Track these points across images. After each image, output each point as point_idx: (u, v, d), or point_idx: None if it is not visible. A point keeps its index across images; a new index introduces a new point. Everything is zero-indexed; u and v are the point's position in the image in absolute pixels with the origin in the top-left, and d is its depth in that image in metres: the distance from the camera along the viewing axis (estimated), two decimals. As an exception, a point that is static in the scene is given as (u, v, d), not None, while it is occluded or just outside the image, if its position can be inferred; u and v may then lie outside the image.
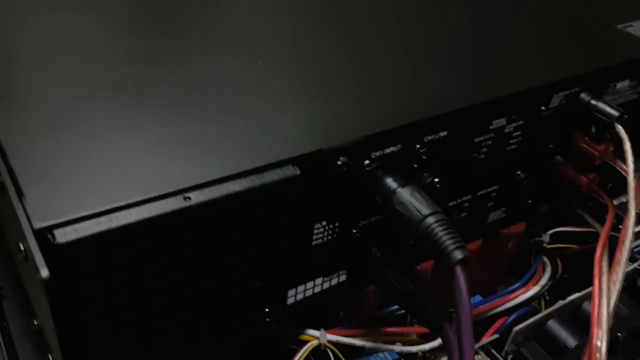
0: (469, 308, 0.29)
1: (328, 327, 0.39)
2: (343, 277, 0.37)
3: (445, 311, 0.33)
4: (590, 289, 0.44)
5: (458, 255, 0.29)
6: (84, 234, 0.23)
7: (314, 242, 0.34)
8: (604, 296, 0.37)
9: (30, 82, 0.31)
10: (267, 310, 0.33)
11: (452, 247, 0.29)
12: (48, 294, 0.22)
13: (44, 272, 0.21)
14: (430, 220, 0.30)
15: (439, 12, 0.44)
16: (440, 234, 0.29)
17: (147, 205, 0.25)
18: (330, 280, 0.36)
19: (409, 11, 0.44)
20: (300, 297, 0.35)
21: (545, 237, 0.49)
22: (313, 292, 0.36)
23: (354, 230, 0.35)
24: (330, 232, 0.34)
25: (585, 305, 0.44)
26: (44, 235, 0.23)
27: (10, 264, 0.46)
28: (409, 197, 0.31)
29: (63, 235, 0.22)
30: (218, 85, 0.33)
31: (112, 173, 0.26)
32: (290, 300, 0.35)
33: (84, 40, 0.36)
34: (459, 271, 0.29)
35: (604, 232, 0.40)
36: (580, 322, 0.43)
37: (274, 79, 0.34)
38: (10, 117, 0.29)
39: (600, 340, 0.34)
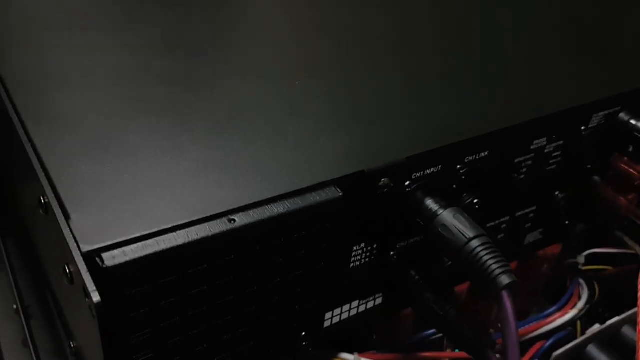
0: (517, 336, 0.28)
1: (361, 350, 0.38)
2: (379, 300, 0.36)
3: (488, 338, 0.32)
4: (629, 312, 0.43)
5: (505, 280, 0.28)
6: (132, 257, 0.23)
7: (351, 265, 0.33)
8: (649, 322, 0.36)
9: (69, 104, 0.31)
10: (303, 334, 0.32)
11: (498, 271, 0.28)
12: (99, 319, 0.21)
13: (96, 298, 0.21)
14: (475, 243, 0.29)
15: (475, 33, 0.44)
16: (486, 257, 0.29)
17: (193, 228, 0.24)
18: (366, 303, 0.36)
19: (445, 31, 0.43)
20: (336, 320, 0.35)
21: (581, 259, 0.48)
22: (349, 315, 0.35)
23: (392, 252, 0.34)
24: (368, 254, 0.33)
25: (625, 329, 0.43)
26: (91, 259, 0.22)
27: (37, 282, 0.46)
28: (452, 220, 0.30)
29: (111, 259, 0.22)
30: (257, 106, 0.33)
31: (156, 195, 0.26)
32: (326, 324, 0.34)
33: (120, 61, 0.36)
34: (506, 297, 0.28)
35: (647, 255, 0.39)
36: (620, 347, 0.42)
37: (312, 99, 0.34)
38: (52, 138, 0.29)
39: (647, 368, 0.33)
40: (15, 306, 0.44)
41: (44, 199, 0.25)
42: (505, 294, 0.28)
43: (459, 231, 0.30)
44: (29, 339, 0.41)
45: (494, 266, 0.28)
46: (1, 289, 0.46)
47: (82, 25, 0.39)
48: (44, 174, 0.26)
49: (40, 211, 0.26)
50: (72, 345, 0.32)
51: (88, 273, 0.21)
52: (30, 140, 0.28)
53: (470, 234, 0.29)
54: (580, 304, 0.44)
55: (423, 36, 0.42)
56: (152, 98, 0.32)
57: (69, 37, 0.37)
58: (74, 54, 0.36)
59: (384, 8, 0.45)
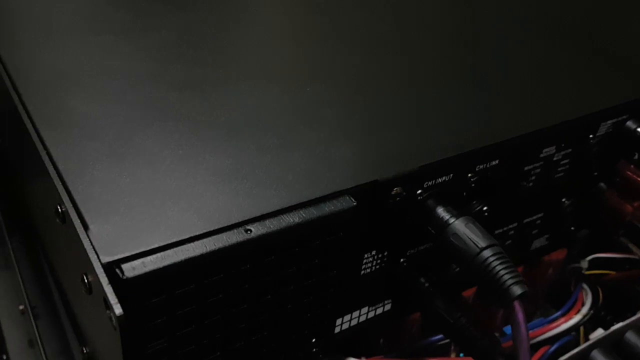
0: (528, 344, 0.28)
1: (368, 355, 0.38)
2: (388, 306, 0.36)
3: (498, 346, 0.33)
4: (633, 318, 0.43)
5: (517, 290, 0.28)
6: (151, 268, 0.23)
7: (362, 272, 0.33)
8: (655, 329, 0.36)
9: (84, 109, 0.31)
10: (314, 340, 0.33)
11: (510, 282, 0.29)
12: (121, 331, 0.21)
13: (118, 310, 0.21)
14: (487, 253, 0.29)
15: (485, 43, 0.44)
16: (498, 267, 0.29)
17: (211, 238, 0.25)
18: (375, 309, 0.36)
19: (455, 41, 0.43)
20: (346, 326, 0.35)
21: (584, 264, 0.48)
22: (358, 322, 0.36)
23: (402, 260, 0.34)
24: (379, 261, 0.33)
25: (629, 335, 0.43)
26: (111, 270, 0.22)
27: (42, 282, 0.46)
28: (464, 229, 0.30)
29: (131, 270, 0.22)
30: (270, 113, 0.33)
31: (173, 205, 0.26)
32: (336, 329, 0.35)
33: (134, 66, 0.36)
34: (518, 307, 0.28)
35: (652, 262, 0.39)
36: (623, 352, 0.43)
37: (325, 107, 0.34)
38: (67, 146, 0.29)
39: (653, 375, 0.34)
40: (21, 307, 0.44)
41: (61, 208, 0.26)
42: (517, 304, 0.28)
43: (471, 240, 0.30)
44: (38, 340, 0.41)
45: (506, 276, 0.29)
46: (7, 289, 0.46)
47: (95, 29, 0.39)
48: (61, 183, 0.26)
49: (57, 220, 0.26)
50: (85, 351, 0.32)
51: (110, 285, 0.21)
52: (45, 147, 0.28)
53: (482, 243, 0.30)
54: (584, 310, 0.45)
55: (434, 44, 0.42)
56: (166, 104, 0.33)
57: (82, 42, 0.37)
58: (87, 59, 0.36)
59: (396, 16, 0.45)
